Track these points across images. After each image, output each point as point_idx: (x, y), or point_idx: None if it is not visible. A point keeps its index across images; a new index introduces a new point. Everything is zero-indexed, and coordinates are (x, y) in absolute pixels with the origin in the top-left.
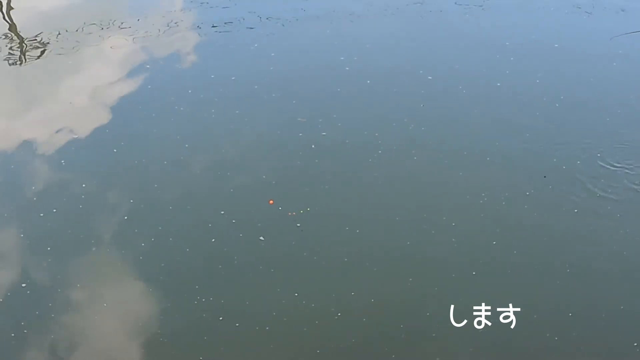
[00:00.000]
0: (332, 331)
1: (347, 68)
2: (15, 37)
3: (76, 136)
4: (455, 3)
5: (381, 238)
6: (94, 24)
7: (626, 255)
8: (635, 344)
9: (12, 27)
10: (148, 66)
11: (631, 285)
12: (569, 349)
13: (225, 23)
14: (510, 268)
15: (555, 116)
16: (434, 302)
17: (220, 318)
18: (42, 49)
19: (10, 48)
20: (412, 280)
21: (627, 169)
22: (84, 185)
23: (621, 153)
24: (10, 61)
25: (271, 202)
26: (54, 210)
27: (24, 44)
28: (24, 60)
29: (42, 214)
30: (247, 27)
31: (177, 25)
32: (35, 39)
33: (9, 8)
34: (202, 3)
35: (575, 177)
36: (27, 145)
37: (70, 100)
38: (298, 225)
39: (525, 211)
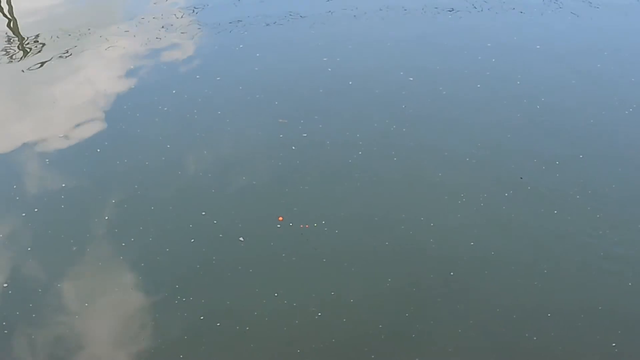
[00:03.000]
0: (313, 331)
1: (330, 69)
2: (13, 37)
3: (61, 135)
4: (437, 5)
5: (360, 238)
6: (86, 25)
7: (604, 255)
8: (614, 344)
9: (14, 26)
10: (132, 67)
11: (609, 286)
12: (547, 349)
13: (212, 25)
14: (488, 269)
15: (535, 118)
16: (412, 303)
17: (201, 317)
18: (32, 49)
19: (7, 47)
20: (390, 280)
21: (609, 169)
22: (65, 185)
23: (604, 154)
24: (2, 61)
25: (280, 218)
26: (36, 210)
27: (21, 44)
28: (13, 60)
29: (24, 214)
30: (233, 28)
31: (167, 27)
32: (30, 39)
33: (10, 8)
34: (192, 5)
35: (556, 178)
36: (11, 144)
37: (55, 100)
38: (279, 226)
39: (504, 212)
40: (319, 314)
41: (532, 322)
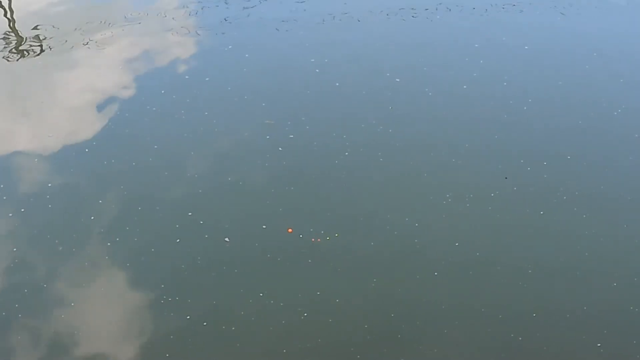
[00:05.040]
0: (299, 331)
1: (317, 70)
2: (10, 33)
3: (50, 135)
4: (423, 6)
5: (345, 239)
6: (80, 25)
7: (588, 256)
8: (599, 344)
9: (11, 24)
10: (122, 67)
11: (594, 286)
12: (533, 350)
13: (201, 25)
14: (473, 269)
15: (522, 118)
16: (397, 303)
17: (187, 317)
18: (24, 46)
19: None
20: (376, 281)
21: (597, 170)
22: (52, 185)
23: (592, 155)
24: None
25: (290, 230)
26: (22, 210)
27: (16, 41)
28: (4, 58)
29: (10, 214)
30: (222, 29)
31: (159, 28)
32: (25, 36)
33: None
34: (184, 6)
35: (543, 179)
36: None
37: (44, 100)
38: (264, 227)
39: (489, 212)
40: (305, 314)
41: (518, 323)
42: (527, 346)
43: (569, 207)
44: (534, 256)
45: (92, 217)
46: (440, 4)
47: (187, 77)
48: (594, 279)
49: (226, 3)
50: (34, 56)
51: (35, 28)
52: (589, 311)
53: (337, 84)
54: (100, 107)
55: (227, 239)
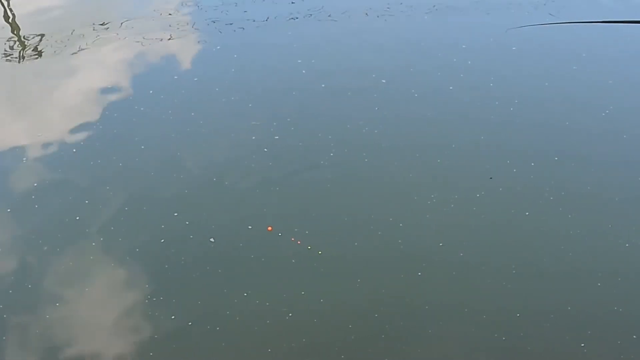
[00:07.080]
0: (283, 331)
1: (304, 71)
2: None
3: (39, 135)
4: (411, 7)
5: (329, 239)
6: (72, 26)
7: (572, 256)
8: (583, 344)
9: (14, 26)
10: (112, 67)
11: (578, 286)
12: (516, 350)
13: (190, 26)
14: (456, 269)
15: (509, 119)
16: (381, 303)
17: (172, 317)
18: (18, 48)
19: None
20: (360, 281)
21: (584, 171)
22: (37, 185)
23: (579, 156)
24: None
25: (270, 228)
26: (8, 210)
27: (7, 43)
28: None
29: None
30: (211, 30)
31: (150, 29)
32: (20, 38)
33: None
34: (177, 7)
35: (529, 180)
36: None
37: (33, 100)
38: (250, 227)
39: (474, 213)
40: (290, 314)
41: (501, 323)
42: (510, 346)
43: (554, 207)
44: (518, 256)
45: (78, 217)
46: (428, 5)
47: (175, 77)
48: (578, 279)
49: (215, 5)
50: (26, 57)
51: (28, 28)
52: (573, 311)
53: (323, 85)
54: (89, 108)
55: (212, 240)
